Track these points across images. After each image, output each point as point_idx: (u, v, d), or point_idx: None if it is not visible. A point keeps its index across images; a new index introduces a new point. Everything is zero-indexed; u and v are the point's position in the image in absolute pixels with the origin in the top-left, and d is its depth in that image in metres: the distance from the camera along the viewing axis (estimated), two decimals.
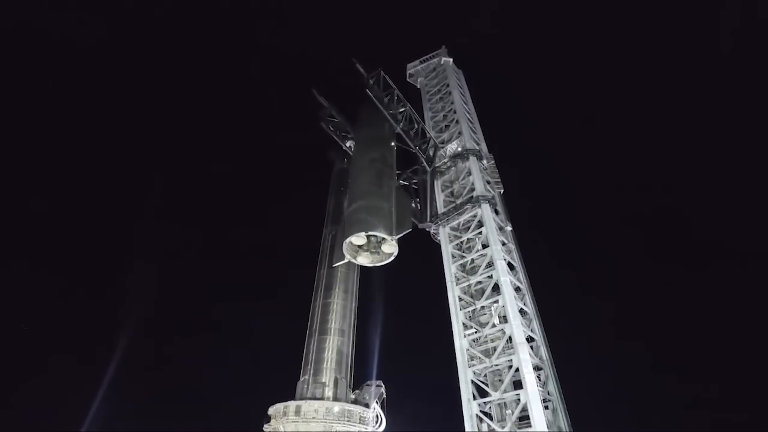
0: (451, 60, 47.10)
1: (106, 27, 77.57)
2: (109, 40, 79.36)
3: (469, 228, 29.92)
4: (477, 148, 34.99)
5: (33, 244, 65.56)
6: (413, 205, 31.83)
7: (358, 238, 27.30)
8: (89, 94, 78.35)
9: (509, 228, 29.95)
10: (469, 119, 38.47)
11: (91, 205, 72.05)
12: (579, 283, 57.59)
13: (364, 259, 28.65)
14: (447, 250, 29.89)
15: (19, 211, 64.12)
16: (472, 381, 24.17)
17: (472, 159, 33.13)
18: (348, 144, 38.11)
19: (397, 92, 31.96)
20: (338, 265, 32.45)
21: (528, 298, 26.61)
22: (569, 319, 46.80)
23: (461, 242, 29.92)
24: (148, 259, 61.91)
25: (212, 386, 54.78)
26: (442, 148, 35.69)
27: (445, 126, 38.50)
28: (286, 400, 29.03)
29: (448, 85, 42.76)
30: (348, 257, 28.09)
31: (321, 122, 36.67)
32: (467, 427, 22.81)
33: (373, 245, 28.27)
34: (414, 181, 33.94)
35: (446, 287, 28.21)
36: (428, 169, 33.06)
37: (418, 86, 47.26)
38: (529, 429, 20.59)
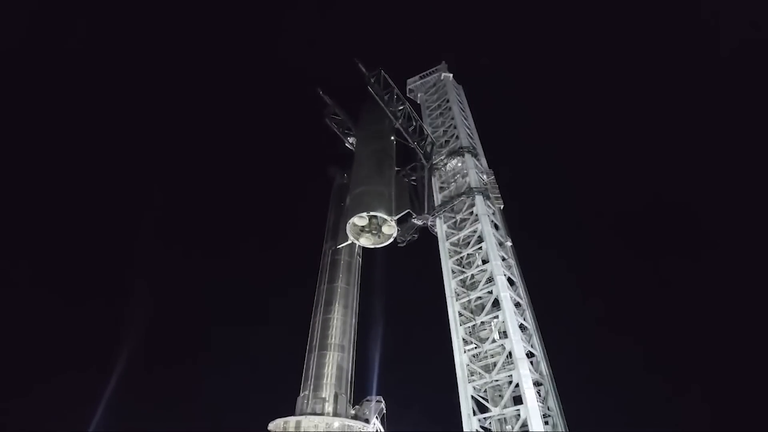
0: (451, 75, 47.90)
1: (87, 29, 78.09)
2: (97, 42, 79.58)
3: (469, 243, 30.22)
4: (472, 144, 36.99)
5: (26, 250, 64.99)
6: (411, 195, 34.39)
7: (361, 219, 30.27)
8: (89, 94, 78.52)
9: (509, 243, 30.16)
10: (468, 134, 39.03)
11: (87, 219, 71.42)
12: (581, 287, 56.82)
13: (366, 241, 31.83)
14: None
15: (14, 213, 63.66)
16: (472, 396, 24.11)
17: (468, 155, 34.96)
18: (350, 140, 42.26)
19: (397, 91, 33.98)
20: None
21: (528, 314, 26.67)
22: (571, 334, 46.09)
23: (461, 257, 30.15)
24: (142, 274, 61.33)
25: (211, 403, 54.17)
26: (440, 150, 37.27)
27: (446, 141, 39.03)
28: (286, 416, 28.98)
29: (448, 101, 43.36)
30: (351, 238, 31.04)
31: (325, 119, 40.42)
32: None
33: (374, 227, 31.45)
34: (413, 177, 36.01)
35: (446, 302, 28.29)
36: (426, 165, 35.02)
37: (418, 101, 47.98)
38: None
